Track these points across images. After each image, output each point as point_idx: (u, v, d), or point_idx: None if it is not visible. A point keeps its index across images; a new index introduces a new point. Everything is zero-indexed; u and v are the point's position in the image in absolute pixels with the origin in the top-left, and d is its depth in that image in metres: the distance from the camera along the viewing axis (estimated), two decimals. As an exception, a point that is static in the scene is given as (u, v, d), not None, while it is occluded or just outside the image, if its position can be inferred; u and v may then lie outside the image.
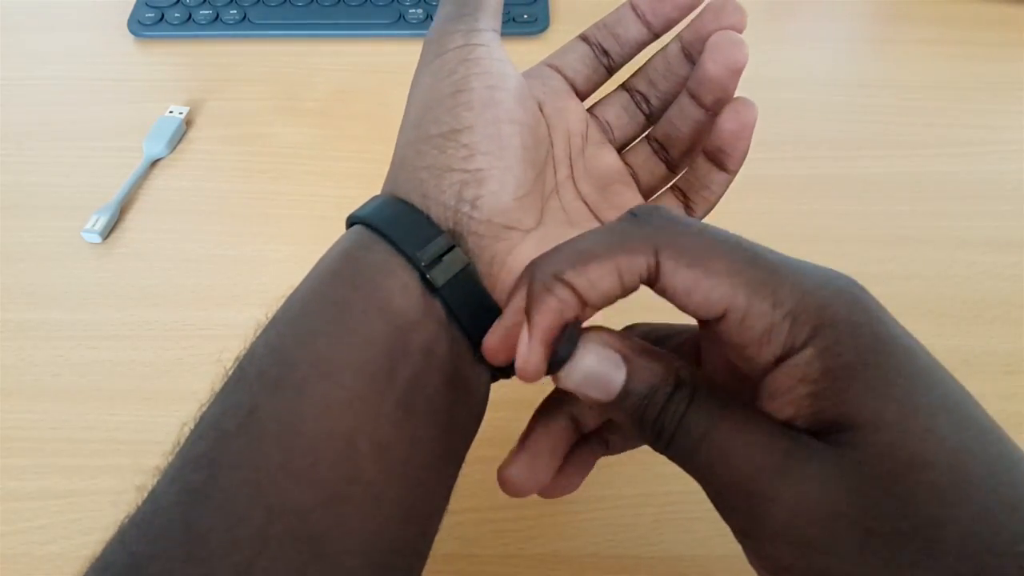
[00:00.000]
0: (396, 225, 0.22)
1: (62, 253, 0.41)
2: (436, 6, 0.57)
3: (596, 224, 0.26)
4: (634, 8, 0.26)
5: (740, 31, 0.25)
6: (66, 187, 0.45)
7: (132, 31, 0.54)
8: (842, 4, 0.58)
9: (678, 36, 0.26)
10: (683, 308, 0.19)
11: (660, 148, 0.27)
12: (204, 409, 0.20)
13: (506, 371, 0.24)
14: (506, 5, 0.55)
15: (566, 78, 0.27)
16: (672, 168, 0.28)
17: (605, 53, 0.27)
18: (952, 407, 0.18)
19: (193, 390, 0.36)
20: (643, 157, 0.28)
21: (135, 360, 0.37)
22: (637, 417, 0.19)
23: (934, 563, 0.16)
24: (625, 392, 0.19)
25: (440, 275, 0.22)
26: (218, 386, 0.21)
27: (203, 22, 0.54)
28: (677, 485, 0.33)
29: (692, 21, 0.26)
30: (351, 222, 0.24)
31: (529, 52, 0.53)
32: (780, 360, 0.18)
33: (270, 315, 0.22)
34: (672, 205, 0.27)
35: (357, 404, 0.20)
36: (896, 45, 0.54)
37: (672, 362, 0.19)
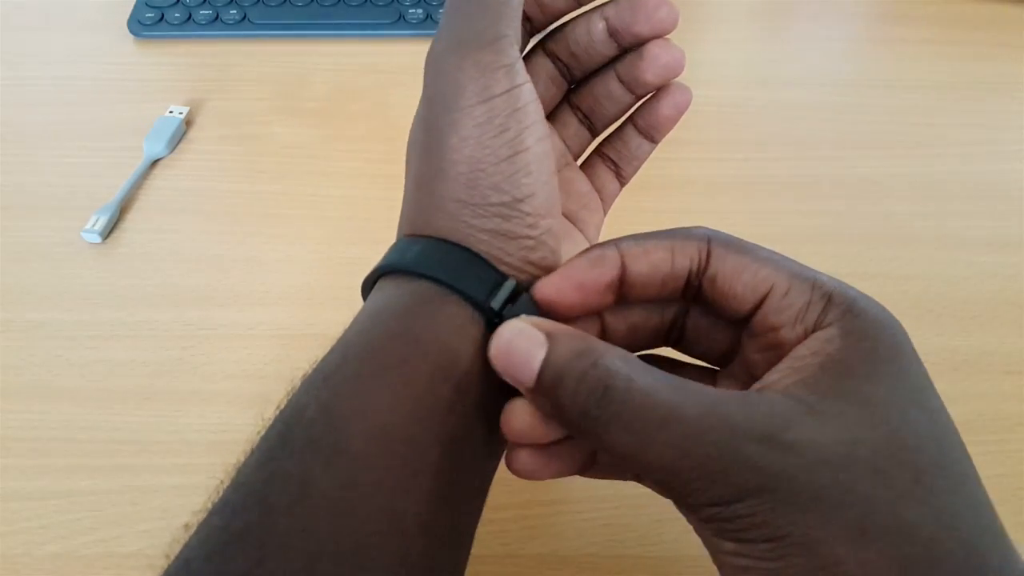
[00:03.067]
0: (462, 278, 0.21)
1: (62, 253, 0.41)
2: (436, 6, 0.57)
3: (578, 234, 0.27)
4: None
5: (670, 31, 0.25)
6: (66, 187, 0.45)
7: (132, 31, 0.54)
8: (842, 4, 0.58)
9: (603, 15, 0.25)
10: (727, 295, 0.20)
11: (584, 117, 0.28)
12: (241, 467, 0.19)
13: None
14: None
15: None
16: (594, 134, 0.29)
17: (528, 19, 0.26)
18: (941, 463, 0.18)
19: (193, 390, 0.36)
20: (572, 129, 0.28)
21: (135, 360, 0.37)
22: (556, 398, 0.19)
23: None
24: (544, 366, 0.19)
25: (512, 316, 0.21)
26: (258, 443, 0.19)
27: (203, 22, 0.54)
28: (677, 485, 0.33)
29: (620, 6, 0.25)
30: (384, 270, 0.22)
31: (529, 52, 0.53)
32: (805, 335, 0.19)
33: (316, 361, 0.21)
34: (606, 172, 0.28)
35: (412, 483, 0.19)
36: (896, 45, 0.54)
37: (594, 340, 0.19)
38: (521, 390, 0.20)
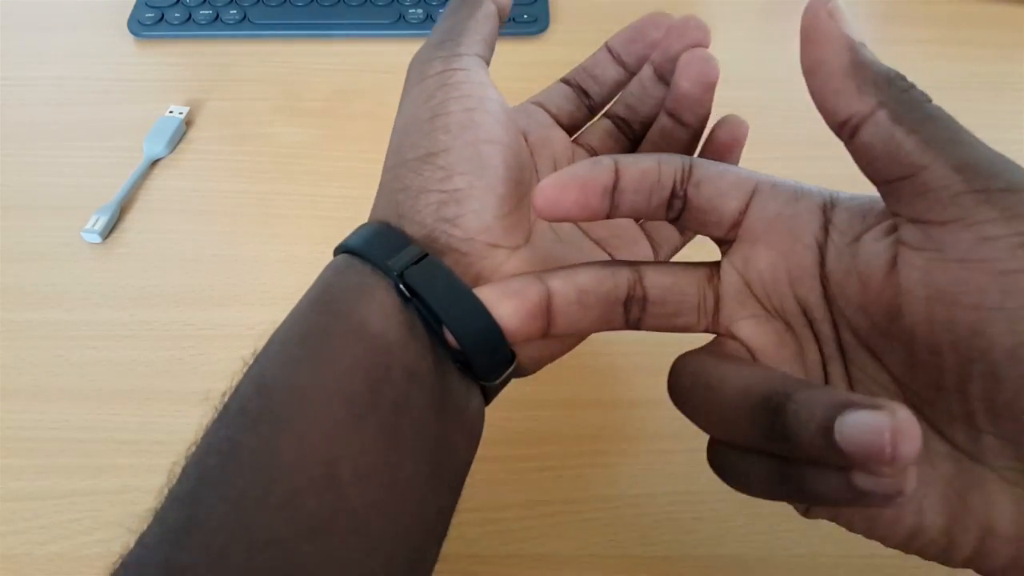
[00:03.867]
0: (367, 243, 0.22)
1: (62, 253, 0.41)
2: (436, 6, 0.57)
3: (587, 242, 0.26)
4: (609, 50, 0.27)
5: (706, 47, 0.25)
6: (66, 187, 0.45)
7: (132, 31, 0.54)
8: (842, 4, 0.58)
9: (649, 61, 0.27)
10: (713, 196, 0.22)
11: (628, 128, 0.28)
12: (191, 449, 0.20)
13: (497, 389, 0.24)
14: (506, 5, 0.55)
15: (550, 113, 0.28)
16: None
17: (586, 94, 0.28)
18: None
19: (193, 390, 0.36)
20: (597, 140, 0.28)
21: (135, 360, 0.37)
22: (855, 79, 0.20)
23: None
24: None
25: (415, 278, 0.21)
26: (204, 425, 0.21)
27: (203, 22, 0.54)
28: (677, 485, 0.33)
29: (660, 44, 0.26)
30: (335, 252, 0.24)
31: (529, 52, 0.53)
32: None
33: (258, 349, 0.22)
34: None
35: (337, 432, 0.19)
36: (896, 45, 0.54)
37: None
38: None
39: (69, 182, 0.45)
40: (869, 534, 0.20)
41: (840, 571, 0.31)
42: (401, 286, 0.21)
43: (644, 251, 0.27)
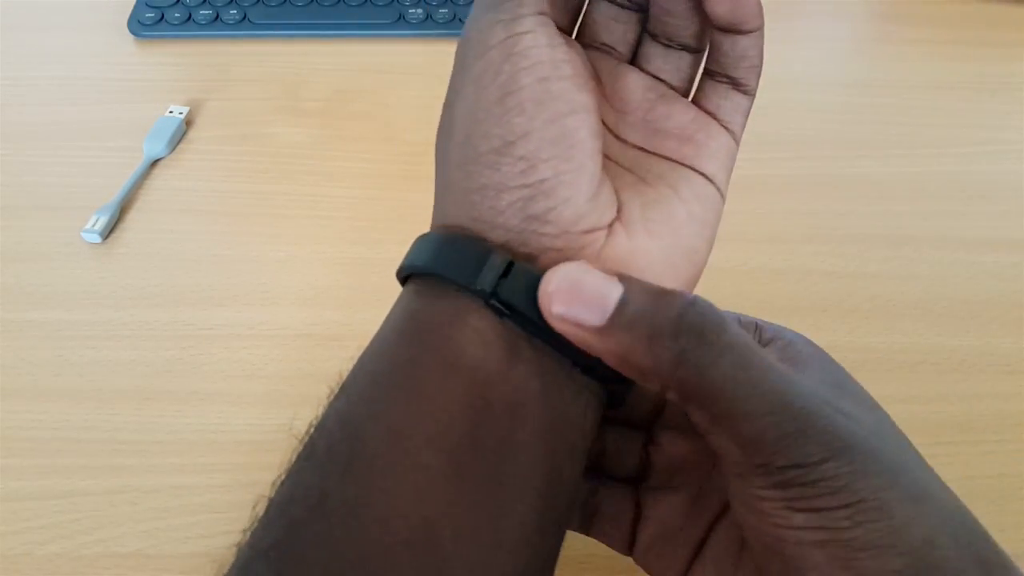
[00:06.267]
0: (442, 260, 0.20)
1: (62, 253, 0.41)
2: (436, 6, 0.57)
3: (655, 161, 0.23)
4: None
5: None
6: (66, 187, 0.45)
7: (132, 31, 0.54)
8: (842, 4, 0.58)
9: None
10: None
11: (669, 41, 0.24)
12: (275, 487, 0.18)
13: (621, 397, 0.21)
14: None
15: (607, 45, 0.24)
16: (693, 51, 0.24)
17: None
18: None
19: (193, 390, 0.36)
20: (660, 58, 0.24)
21: (135, 360, 0.37)
22: (646, 334, 0.18)
23: None
24: (623, 303, 0.18)
25: (510, 294, 0.19)
26: (290, 460, 0.19)
27: (203, 22, 0.54)
28: (677, 485, 0.33)
29: None
30: (401, 275, 0.21)
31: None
32: None
33: (344, 375, 0.20)
34: (719, 88, 0.24)
35: (436, 483, 0.17)
36: (896, 45, 0.54)
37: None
38: (577, 336, 0.18)
39: (69, 182, 0.45)
40: None
41: None
42: (495, 304, 0.19)
43: (720, 142, 0.24)
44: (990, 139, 0.48)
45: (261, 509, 0.18)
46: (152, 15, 0.54)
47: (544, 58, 0.20)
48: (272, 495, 0.18)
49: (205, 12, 0.54)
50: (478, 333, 0.19)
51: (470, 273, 0.19)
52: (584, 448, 0.21)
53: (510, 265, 0.19)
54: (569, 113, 0.20)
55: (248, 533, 0.18)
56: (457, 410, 0.18)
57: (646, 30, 0.24)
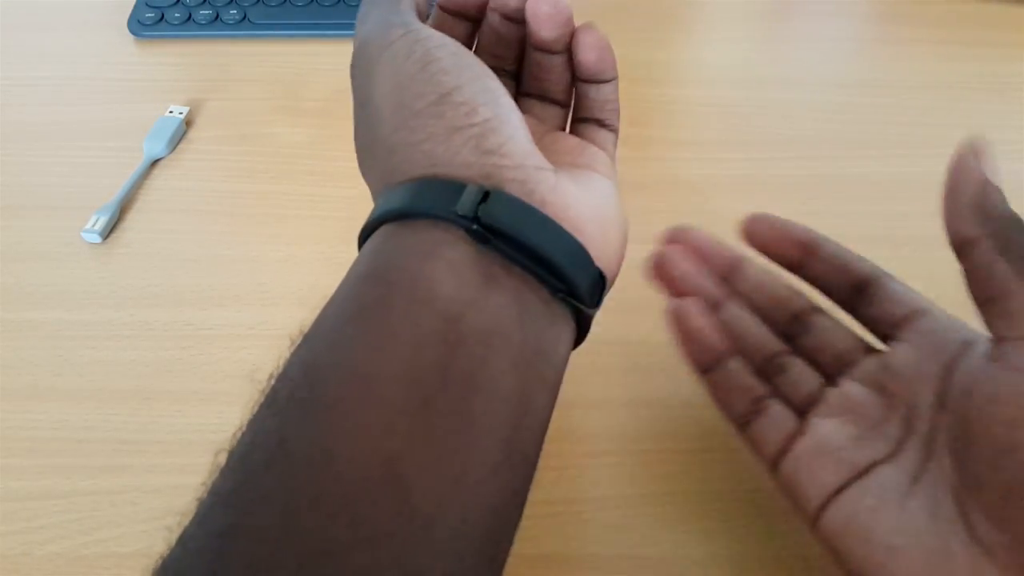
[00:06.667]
0: (416, 199, 0.20)
1: (62, 253, 0.41)
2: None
3: (593, 151, 0.26)
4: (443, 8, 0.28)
5: None
6: (66, 187, 0.45)
7: (132, 31, 0.54)
8: (842, 4, 0.58)
9: (492, 8, 0.27)
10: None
11: (543, 97, 0.28)
12: (236, 437, 0.18)
13: (590, 321, 0.22)
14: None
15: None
16: (562, 105, 0.28)
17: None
18: None
19: (193, 390, 0.36)
20: (537, 109, 0.28)
21: (135, 360, 0.37)
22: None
23: None
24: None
25: (492, 218, 0.19)
26: (251, 410, 0.19)
27: (203, 22, 0.54)
28: (677, 485, 0.33)
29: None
30: (365, 233, 0.22)
31: (529, 52, 0.53)
32: None
33: (305, 326, 0.20)
34: (590, 128, 0.27)
35: (400, 421, 0.17)
36: (896, 45, 0.54)
37: None
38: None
39: (69, 182, 0.45)
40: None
41: (840, 572, 0.31)
42: (477, 228, 0.19)
43: (602, 158, 0.27)
44: (990, 139, 0.48)
45: (222, 460, 0.18)
46: (152, 15, 0.54)
47: (446, 41, 0.22)
48: (231, 447, 0.18)
49: (205, 12, 0.54)
50: (451, 265, 0.19)
51: (447, 203, 0.20)
52: (556, 381, 0.21)
53: (485, 194, 0.20)
54: (487, 76, 0.22)
55: (208, 483, 0.18)
56: (427, 345, 0.18)
57: (519, 91, 0.28)
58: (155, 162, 0.46)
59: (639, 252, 0.44)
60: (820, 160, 0.46)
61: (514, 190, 0.20)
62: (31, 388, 0.36)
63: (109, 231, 0.42)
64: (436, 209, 0.20)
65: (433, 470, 0.17)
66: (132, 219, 0.43)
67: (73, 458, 0.34)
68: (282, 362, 0.20)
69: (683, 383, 0.36)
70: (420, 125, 0.21)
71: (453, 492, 0.17)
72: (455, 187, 0.20)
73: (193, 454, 0.34)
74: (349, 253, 0.40)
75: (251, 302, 0.39)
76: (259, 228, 0.43)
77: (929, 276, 0.42)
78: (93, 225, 0.42)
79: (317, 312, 0.21)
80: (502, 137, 0.21)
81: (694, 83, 0.51)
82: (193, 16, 0.54)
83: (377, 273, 0.20)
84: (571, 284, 0.20)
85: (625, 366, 0.37)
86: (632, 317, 0.36)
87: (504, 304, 0.19)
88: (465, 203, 0.19)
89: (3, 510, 0.32)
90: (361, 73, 0.24)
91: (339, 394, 0.17)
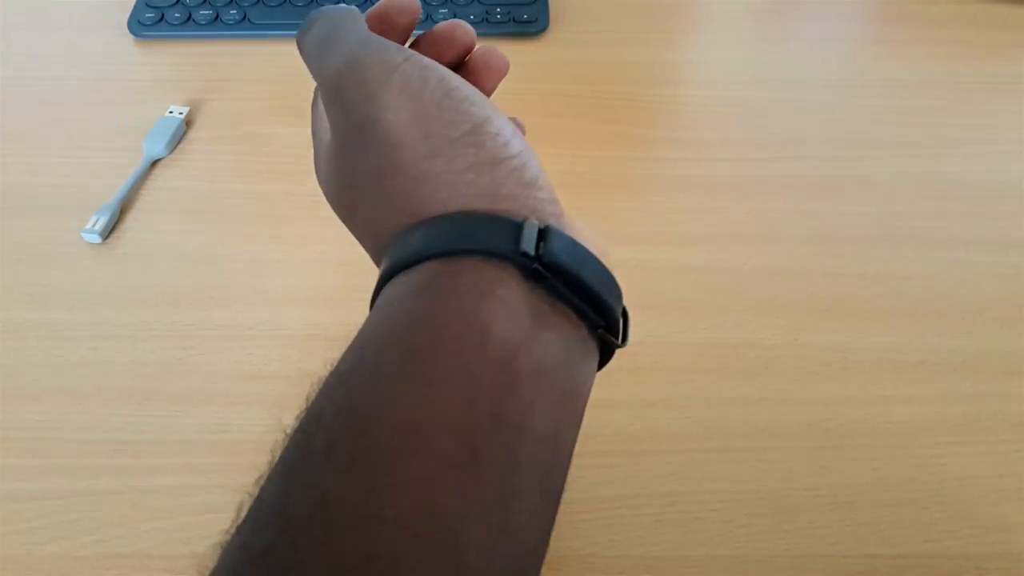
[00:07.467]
0: (472, 235, 0.19)
1: (62, 253, 0.41)
2: (436, 6, 0.57)
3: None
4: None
5: (471, 46, 0.26)
6: (66, 187, 0.45)
7: (132, 31, 0.54)
8: (842, 4, 0.58)
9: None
10: None
11: None
12: (263, 483, 0.17)
13: (610, 358, 0.22)
14: (506, 5, 0.55)
15: None
16: None
17: None
18: None
19: (193, 390, 0.36)
20: None
21: (135, 360, 0.37)
22: None
23: None
24: None
25: (556, 257, 0.19)
26: (279, 455, 0.18)
27: (203, 22, 0.54)
28: (677, 485, 0.33)
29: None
30: (403, 266, 0.20)
31: (529, 52, 0.53)
32: None
33: (333, 363, 0.19)
34: None
35: (451, 475, 0.16)
36: (896, 45, 0.54)
37: None
38: None
39: (69, 182, 0.45)
40: None
41: (840, 571, 0.31)
42: (537, 267, 0.19)
43: None
44: (990, 139, 0.48)
45: (247, 509, 0.17)
46: (152, 15, 0.54)
47: (447, 69, 0.22)
48: (259, 495, 0.17)
49: (205, 12, 0.54)
50: (505, 304, 0.18)
51: (505, 240, 0.19)
52: (582, 416, 0.20)
53: (543, 230, 0.19)
54: (496, 108, 0.22)
55: (234, 535, 0.17)
56: (481, 390, 0.17)
57: None
58: (155, 162, 0.46)
59: (639, 252, 0.44)
60: (820, 160, 0.46)
61: (559, 224, 0.20)
62: (31, 388, 0.36)
63: (109, 231, 0.42)
64: (494, 246, 0.19)
65: (483, 522, 0.16)
66: (132, 219, 0.43)
67: (73, 458, 0.34)
68: (310, 402, 0.18)
69: (683, 383, 0.36)
70: (459, 154, 0.21)
71: (500, 541, 0.17)
72: (510, 224, 0.19)
73: (193, 454, 0.34)
74: (349, 253, 0.40)
75: (251, 302, 0.39)
76: (259, 228, 0.43)
77: (929, 276, 0.42)
78: (93, 225, 0.42)
79: (325, 314, 0.20)
80: (535, 170, 0.21)
81: (694, 83, 0.51)
82: (193, 16, 0.54)
83: (428, 315, 0.19)
84: (609, 320, 0.20)
85: (625, 366, 0.37)
86: (631, 318, 0.36)
87: (551, 342, 0.19)
88: (528, 241, 0.19)
89: (3, 510, 0.32)
90: (357, 96, 0.21)
91: (385, 447, 0.17)
